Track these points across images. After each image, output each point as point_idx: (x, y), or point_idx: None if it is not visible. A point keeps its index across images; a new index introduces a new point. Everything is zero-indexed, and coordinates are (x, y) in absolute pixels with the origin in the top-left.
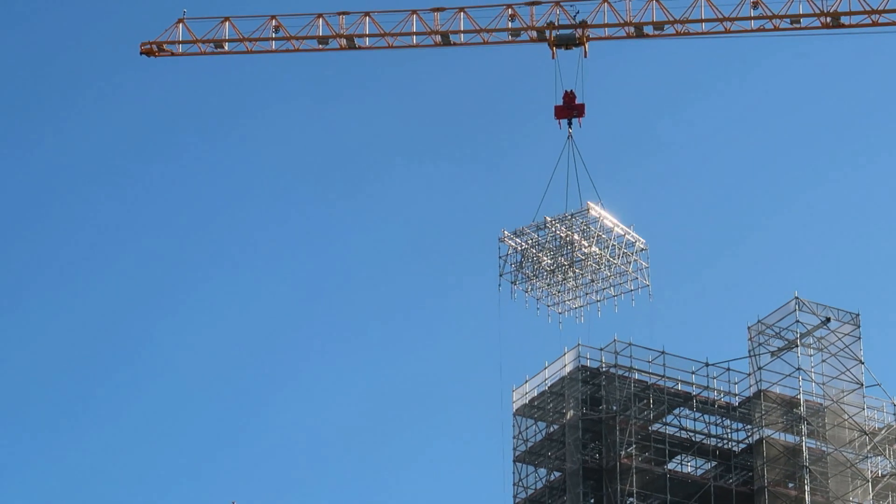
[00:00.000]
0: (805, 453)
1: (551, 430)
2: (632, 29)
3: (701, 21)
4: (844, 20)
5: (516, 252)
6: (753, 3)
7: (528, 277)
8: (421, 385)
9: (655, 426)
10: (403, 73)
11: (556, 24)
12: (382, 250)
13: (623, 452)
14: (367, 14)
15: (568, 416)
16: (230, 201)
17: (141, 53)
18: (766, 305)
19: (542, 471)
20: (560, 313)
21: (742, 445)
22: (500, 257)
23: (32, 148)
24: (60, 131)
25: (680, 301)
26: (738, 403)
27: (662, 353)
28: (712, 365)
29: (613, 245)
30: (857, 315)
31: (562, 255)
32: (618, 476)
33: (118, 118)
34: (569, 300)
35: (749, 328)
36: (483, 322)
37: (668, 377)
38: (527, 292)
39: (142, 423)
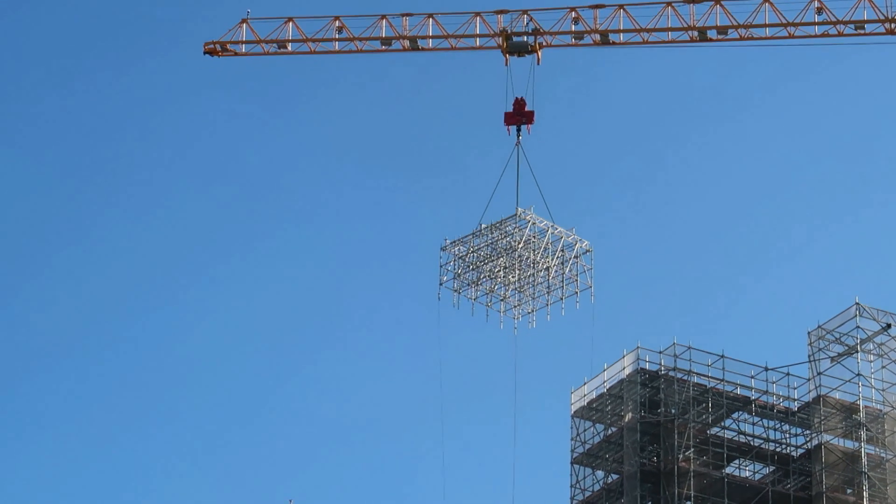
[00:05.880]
0: (864, 459)
1: (609, 432)
2: (695, 33)
3: (765, 26)
4: None
5: (460, 259)
6: (818, 8)
7: (468, 284)
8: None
9: (714, 430)
10: (357, 78)
11: (509, 31)
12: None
13: (681, 456)
14: (430, 16)
15: (626, 419)
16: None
17: (204, 53)
18: (827, 311)
19: (600, 473)
20: (515, 319)
21: (800, 451)
22: (440, 266)
23: (99, 141)
24: (128, 128)
25: (740, 305)
26: (797, 408)
27: (722, 356)
28: (772, 369)
29: (548, 248)
30: None
31: (496, 261)
32: (675, 479)
33: (181, 116)
34: (517, 305)
35: (809, 333)
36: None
37: (727, 381)
38: (472, 299)
39: (141, 417)
